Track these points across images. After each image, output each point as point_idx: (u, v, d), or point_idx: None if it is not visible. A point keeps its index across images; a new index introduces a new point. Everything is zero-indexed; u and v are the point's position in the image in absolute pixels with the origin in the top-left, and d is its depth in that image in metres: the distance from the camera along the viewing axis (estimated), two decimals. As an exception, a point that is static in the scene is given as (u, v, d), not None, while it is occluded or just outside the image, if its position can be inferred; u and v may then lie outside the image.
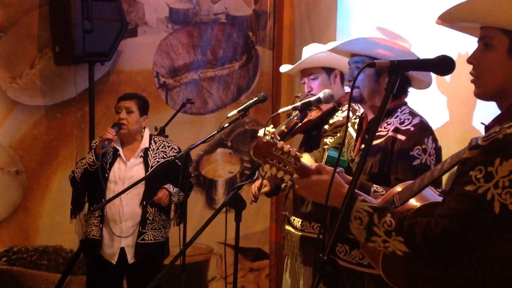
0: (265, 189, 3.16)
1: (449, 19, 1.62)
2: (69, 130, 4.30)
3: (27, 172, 4.23)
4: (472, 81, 1.60)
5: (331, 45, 2.59)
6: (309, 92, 3.12)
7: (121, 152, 3.61)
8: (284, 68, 3.40)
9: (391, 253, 1.56)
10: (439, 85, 2.85)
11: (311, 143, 3.10)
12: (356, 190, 1.69)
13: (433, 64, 1.66)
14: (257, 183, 3.14)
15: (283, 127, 3.03)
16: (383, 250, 1.60)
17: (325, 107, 3.04)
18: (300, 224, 3.06)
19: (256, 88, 4.76)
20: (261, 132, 2.93)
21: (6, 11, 4.10)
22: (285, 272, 3.28)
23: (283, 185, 3.21)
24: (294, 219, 3.11)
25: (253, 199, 3.15)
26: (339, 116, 3.05)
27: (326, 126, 3.05)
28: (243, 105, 2.99)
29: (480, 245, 1.46)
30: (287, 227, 3.19)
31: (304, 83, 3.19)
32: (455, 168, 1.65)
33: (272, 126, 3.04)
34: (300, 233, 3.07)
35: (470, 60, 1.58)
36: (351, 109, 3.02)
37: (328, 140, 2.97)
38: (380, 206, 1.64)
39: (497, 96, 1.56)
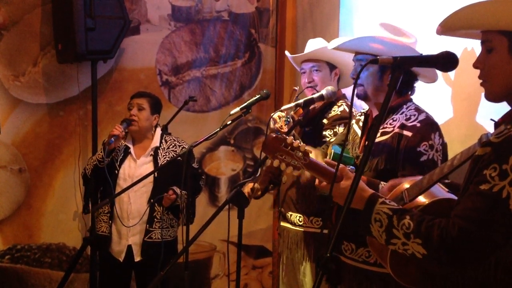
0: (258, 193, 3.14)
1: (448, 28, 1.63)
2: (72, 128, 4.30)
3: (30, 170, 4.24)
4: (481, 85, 1.61)
5: (334, 43, 2.59)
6: (309, 82, 3.13)
7: (132, 150, 3.63)
8: (288, 53, 3.41)
9: (411, 256, 1.56)
10: (444, 81, 2.84)
11: (307, 138, 3.10)
12: (375, 193, 1.70)
13: (436, 60, 1.66)
14: (249, 187, 3.13)
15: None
16: (402, 252, 1.59)
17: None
18: (299, 220, 3.07)
19: (259, 86, 4.76)
20: (275, 116, 2.90)
21: (9, 9, 4.10)
22: (281, 270, 3.29)
23: (270, 186, 3.21)
24: (291, 215, 3.12)
25: None
26: (336, 110, 3.06)
27: (325, 120, 3.07)
28: (245, 102, 2.99)
29: (498, 244, 1.45)
30: (283, 224, 3.20)
31: (304, 72, 3.18)
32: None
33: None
34: (299, 229, 3.08)
35: (475, 65, 1.60)
36: (347, 106, 3.06)
37: (327, 133, 3.00)
38: (399, 208, 1.63)
39: (506, 96, 1.56)
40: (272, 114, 2.89)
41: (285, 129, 2.83)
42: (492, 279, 1.50)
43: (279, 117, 2.83)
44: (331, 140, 2.98)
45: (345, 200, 1.55)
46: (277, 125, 2.85)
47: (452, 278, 1.60)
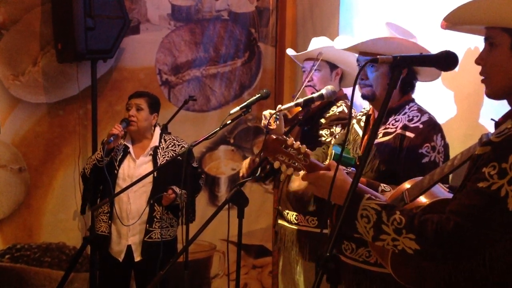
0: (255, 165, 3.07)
1: (452, 22, 1.62)
2: (72, 127, 4.30)
3: (30, 170, 4.24)
4: (482, 81, 1.60)
5: (342, 43, 2.58)
6: (308, 81, 3.14)
7: (131, 149, 3.62)
8: (291, 51, 3.40)
9: (400, 252, 1.55)
10: (445, 81, 2.83)
11: (305, 137, 3.10)
12: (362, 187, 1.68)
13: (435, 59, 1.66)
14: (248, 160, 3.10)
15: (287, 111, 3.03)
16: (391, 248, 1.58)
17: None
18: (295, 218, 3.08)
19: (259, 85, 4.76)
20: (266, 113, 2.91)
21: (8, 9, 4.10)
22: (279, 269, 3.30)
23: (267, 166, 3.19)
24: (288, 213, 3.12)
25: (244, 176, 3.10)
26: (334, 110, 3.06)
27: (323, 120, 3.07)
28: (245, 102, 2.99)
29: (493, 242, 1.45)
30: (280, 222, 3.20)
31: (305, 71, 3.19)
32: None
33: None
34: (295, 227, 3.08)
35: (477, 61, 1.59)
36: (346, 106, 3.05)
37: (324, 132, 2.99)
38: (387, 204, 1.62)
39: (507, 94, 1.56)
40: (264, 112, 2.91)
41: (274, 126, 2.83)
42: (487, 275, 1.50)
43: (270, 114, 2.83)
44: (327, 140, 2.98)
45: (345, 200, 1.55)
46: (266, 122, 2.85)
47: (448, 277, 1.60)
